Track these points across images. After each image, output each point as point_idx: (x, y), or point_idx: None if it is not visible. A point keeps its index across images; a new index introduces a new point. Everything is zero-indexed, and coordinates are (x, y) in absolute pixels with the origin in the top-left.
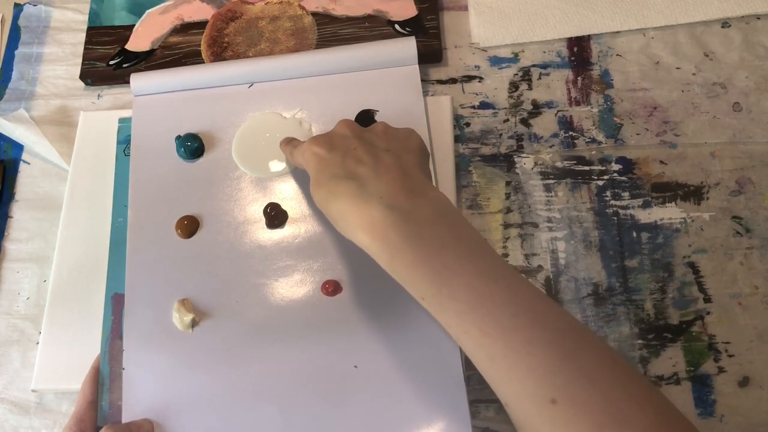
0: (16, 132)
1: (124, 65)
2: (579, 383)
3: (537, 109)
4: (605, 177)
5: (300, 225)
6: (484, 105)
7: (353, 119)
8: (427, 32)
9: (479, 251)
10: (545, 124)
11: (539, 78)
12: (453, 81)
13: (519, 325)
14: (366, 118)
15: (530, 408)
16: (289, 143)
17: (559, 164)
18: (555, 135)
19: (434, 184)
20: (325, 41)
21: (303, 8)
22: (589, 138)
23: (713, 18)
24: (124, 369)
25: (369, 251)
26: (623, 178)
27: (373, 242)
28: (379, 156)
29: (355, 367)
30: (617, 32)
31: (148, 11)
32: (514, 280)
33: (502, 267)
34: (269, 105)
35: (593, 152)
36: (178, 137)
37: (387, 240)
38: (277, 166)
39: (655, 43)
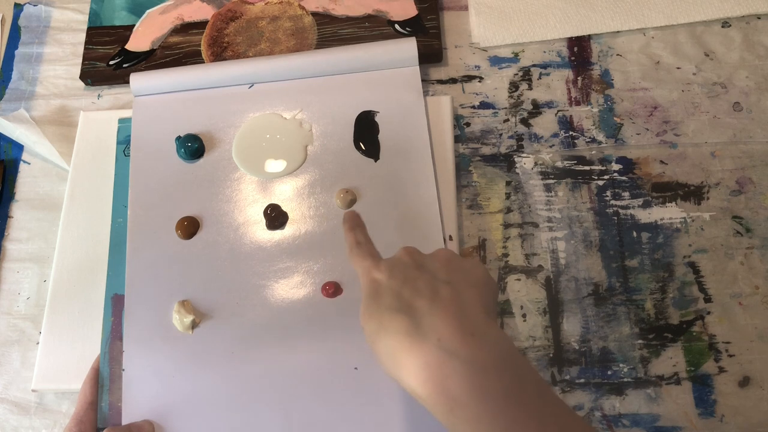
0: (17, 132)
1: (124, 65)
2: None
3: (537, 108)
4: (605, 177)
5: (300, 226)
6: (484, 105)
7: (354, 120)
8: (427, 32)
9: (542, 397)
10: (545, 123)
11: (539, 78)
12: (453, 81)
13: None
14: (366, 119)
15: None
16: (353, 231)
17: (559, 164)
18: (555, 135)
19: (435, 185)
20: (325, 41)
21: (303, 8)
22: (589, 138)
23: (713, 18)
24: (124, 370)
25: (421, 401)
26: (623, 177)
27: (429, 393)
28: (437, 288)
29: (356, 368)
30: (617, 32)
31: (148, 11)
32: (576, 425)
33: (564, 412)
34: (269, 106)
35: (593, 152)
36: (178, 138)
37: (445, 391)
38: (278, 167)
39: (656, 42)
